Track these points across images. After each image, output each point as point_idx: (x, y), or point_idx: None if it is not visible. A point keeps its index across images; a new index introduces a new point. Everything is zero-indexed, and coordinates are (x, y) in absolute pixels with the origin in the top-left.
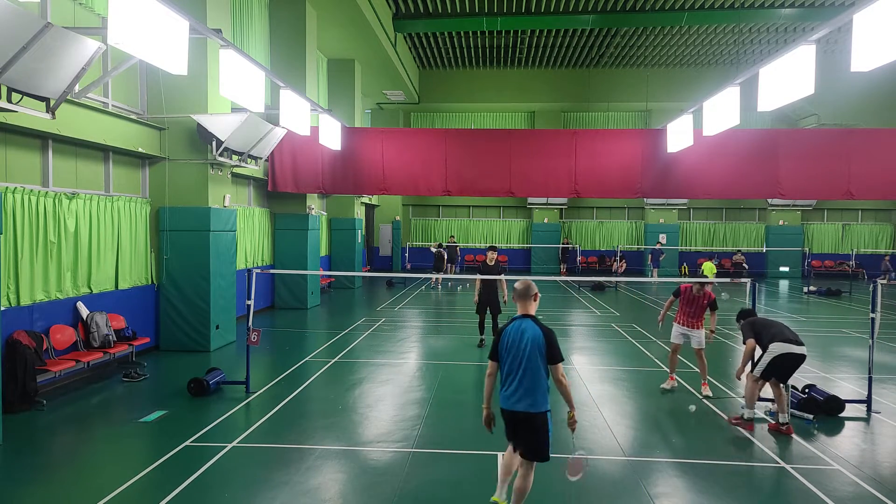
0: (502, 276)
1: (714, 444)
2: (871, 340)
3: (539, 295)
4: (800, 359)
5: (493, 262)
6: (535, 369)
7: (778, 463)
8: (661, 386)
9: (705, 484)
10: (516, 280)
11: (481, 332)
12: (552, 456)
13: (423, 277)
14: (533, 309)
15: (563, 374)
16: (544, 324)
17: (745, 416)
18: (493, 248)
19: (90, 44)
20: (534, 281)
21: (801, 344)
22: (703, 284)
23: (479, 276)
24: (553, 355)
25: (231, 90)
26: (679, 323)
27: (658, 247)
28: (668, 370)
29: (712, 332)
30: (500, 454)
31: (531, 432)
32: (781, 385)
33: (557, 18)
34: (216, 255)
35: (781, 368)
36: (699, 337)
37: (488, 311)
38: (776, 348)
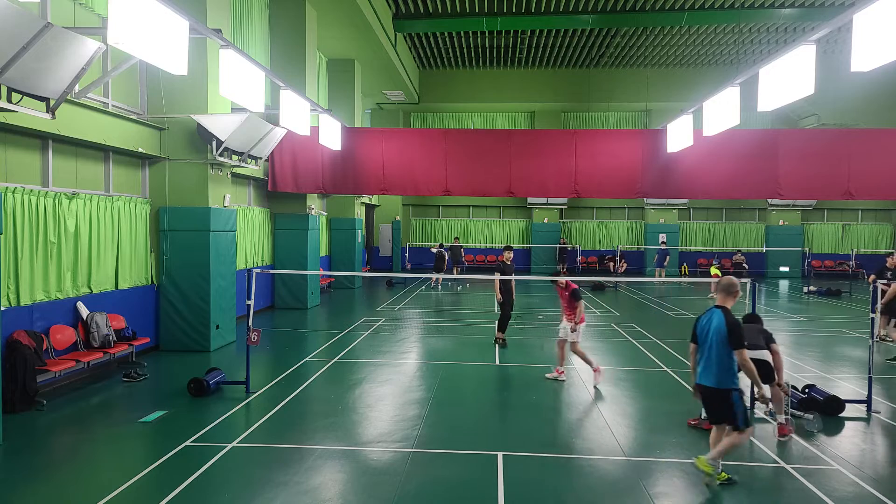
0: (512, 276)
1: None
2: (871, 340)
3: (740, 294)
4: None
5: (510, 262)
6: (718, 352)
7: (778, 463)
8: (546, 375)
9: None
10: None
11: (502, 330)
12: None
13: (423, 277)
14: (729, 303)
15: (746, 359)
16: (732, 315)
17: (703, 416)
18: (509, 248)
19: (90, 44)
20: (533, 281)
21: (752, 349)
22: (556, 280)
23: (499, 276)
24: (733, 342)
25: (231, 90)
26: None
27: (663, 247)
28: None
29: (576, 322)
30: (500, 454)
31: (716, 404)
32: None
33: (557, 18)
34: (216, 255)
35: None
36: (563, 327)
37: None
38: None
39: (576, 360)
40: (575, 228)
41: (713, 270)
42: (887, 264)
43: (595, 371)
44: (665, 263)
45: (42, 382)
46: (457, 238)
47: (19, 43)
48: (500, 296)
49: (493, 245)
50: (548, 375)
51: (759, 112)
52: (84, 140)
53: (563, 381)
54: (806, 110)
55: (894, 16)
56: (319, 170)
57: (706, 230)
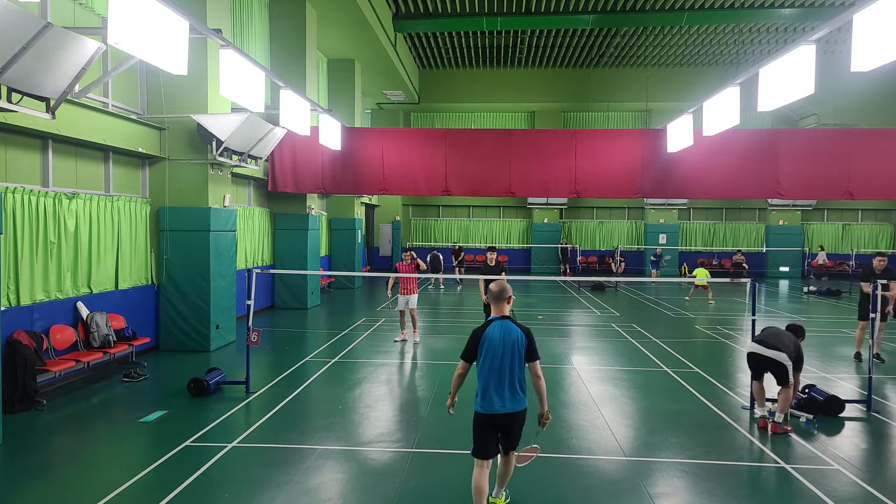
0: (503, 276)
1: (714, 444)
2: (871, 340)
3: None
4: (762, 359)
5: (493, 263)
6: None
7: (778, 463)
8: (394, 339)
9: (705, 484)
10: (515, 279)
11: None
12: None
13: (422, 277)
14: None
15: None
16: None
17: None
18: (492, 249)
19: (90, 44)
20: (533, 281)
21: (769, 348)
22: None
23: (482, 277)
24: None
25: (231, 90)
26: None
27: (659, 252)
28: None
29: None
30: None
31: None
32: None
33: (557, 18)
34: (216, 255)
35: (754, 365)
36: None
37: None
38: (748, 347)
39: (575, 361)
40: (575, 228)
41: (701, 274)
42: (874, 267)
43: (414, 332)
44: (662, 265)
45: (42, 382)
46: (456, 244)
47: (19, 43)
48: (483, 297)
49: (494, 245)
50: (395, 339)
51: (759, 112)
52: (84, 140)
53: (406, 340)
54: (806, 110)
55: (894, 16)
56: (319, 170)
57: (706, 230)
